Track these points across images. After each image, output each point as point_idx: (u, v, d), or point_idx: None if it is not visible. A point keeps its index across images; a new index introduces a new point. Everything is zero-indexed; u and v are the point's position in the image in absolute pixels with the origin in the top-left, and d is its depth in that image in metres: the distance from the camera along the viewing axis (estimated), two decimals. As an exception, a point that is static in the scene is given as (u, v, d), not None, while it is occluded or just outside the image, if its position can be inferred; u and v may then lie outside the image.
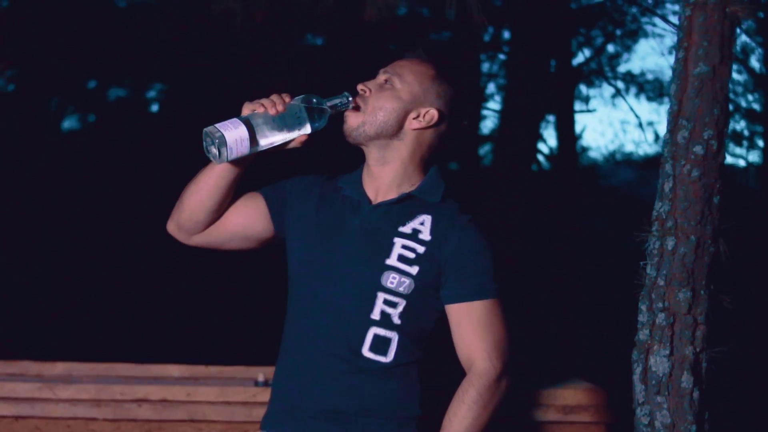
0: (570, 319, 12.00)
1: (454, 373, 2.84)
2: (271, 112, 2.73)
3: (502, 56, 14.47)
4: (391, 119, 2.81)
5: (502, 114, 11.64)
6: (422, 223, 2.81)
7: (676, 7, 12.29)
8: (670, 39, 15.27)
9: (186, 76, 12.10)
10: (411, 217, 2.83)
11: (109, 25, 10.56)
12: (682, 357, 3.14)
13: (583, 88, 14.40)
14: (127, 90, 13.71)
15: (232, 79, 9.79)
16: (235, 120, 2.71)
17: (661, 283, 3.15)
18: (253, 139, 2.70)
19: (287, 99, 2.77)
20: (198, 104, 11.56)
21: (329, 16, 4.84)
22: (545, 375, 4.49)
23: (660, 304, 3.15)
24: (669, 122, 3.20)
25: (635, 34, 14.19)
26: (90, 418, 3.99)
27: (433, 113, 2.83)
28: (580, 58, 14.08)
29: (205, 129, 2.68)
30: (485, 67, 14.96)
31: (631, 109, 22.60)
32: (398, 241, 2.79)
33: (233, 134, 2.66)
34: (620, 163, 16.12)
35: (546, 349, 11.71)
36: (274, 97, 2.76)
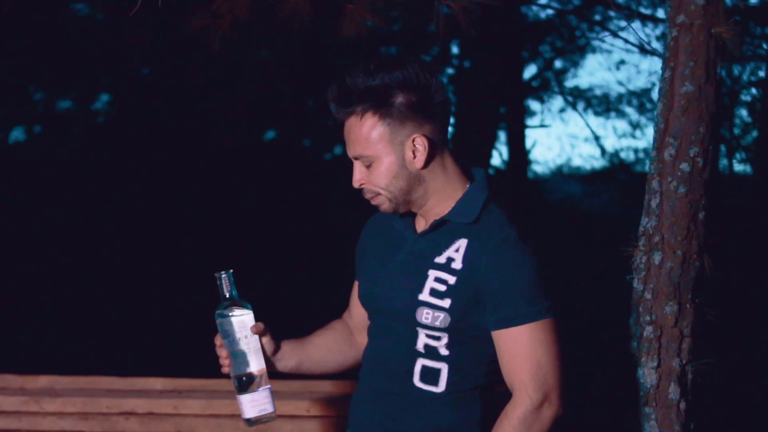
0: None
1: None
2: (226, 370, 2.77)
3: (450, 70, 14.58)
4: (400, 183, 2.68)
5: (455, 127, 11.76)
6: (457, 250, 2.68)
7: (623, 23, 12.53)
8: (618, 55, 15.46)
9: (136, 87, 12.10)
10: (448, 244, 2.70)
11: (60, 37, 10.53)
12: (669, 369, 3.20)
13: (531, 103, 14.54)
14: (74, 102, 13.66)
15: (187, 90, 9.82)
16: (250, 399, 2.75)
17: (648, 296, 3.21)
18: (251, 378, 2.74)
19: (223, 354, 2.76)
20: (145, 115, 11.59)
21: (304, 31, 4.87)
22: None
23: (647, 317, 3.21)
24: (655, 140, 3.26)
25: (583, 49, 14.36)
26: (77, 431, 4.00)
27: (419, 140, 2.65)
28: (527, 73, 14.21)
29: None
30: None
31: (587, 124, 22.78)
32: (432, 274, 2.67)
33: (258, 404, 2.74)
34: (567, 177, 16.26)
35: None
36: (220, 361, 2.78)
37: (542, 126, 13.92)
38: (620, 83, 16.79)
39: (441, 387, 2.70)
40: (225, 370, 2.76)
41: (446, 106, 2.70)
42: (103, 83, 12.96)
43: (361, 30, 4.70)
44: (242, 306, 2.73)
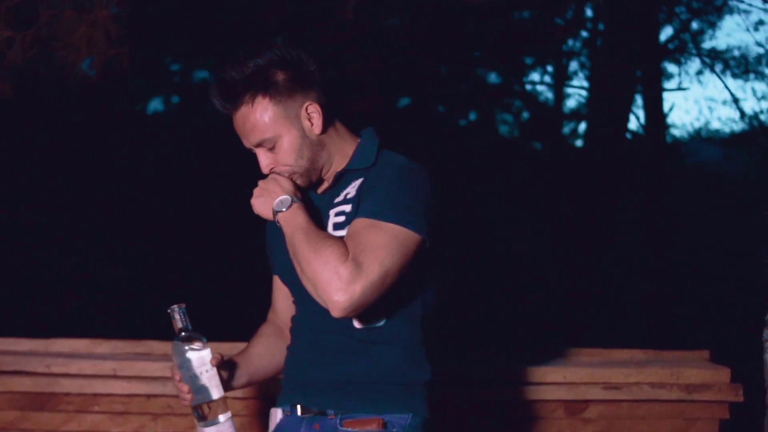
0: (668, 295, 11.97)
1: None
2: (186, 401, 2.79)
3: (584, 34, 14.41)
4: (307, 153, 2.78)
5: (590, 92, 11.63)
6: (354, 186, 2.79)
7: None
8: (756, 15, 15.10)
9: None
10: (345, 186, 2.80)
11: (195, 6, 10.64)
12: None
13: (668, 65, 14.28)
14: (210, 71, 13.84)
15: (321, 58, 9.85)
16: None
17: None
18: (213, 407, 2.77)
19: (185, 389, 2.77)
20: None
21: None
22: (668, 354, 4.52)
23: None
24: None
25: (720, 9, 14.04)
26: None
27: (312, 107, 2.76)
28: (663, 36, 13.95)
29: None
30: (568, 44, 14.89)
31: (725, 86, 22.16)
32: (331, 212, 2.78)
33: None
34: (706, 140, 15.96)
35: (661, 325, 11.71)
36: (181, 395, 2.80)
37: (679, 89, 13.65)
38: (759, 44, 16.29)
39: (380, 320, 2.74)
40: (186, 403, 2.80)
41: (322, 72, 2.78)
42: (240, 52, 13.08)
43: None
44: (197, 339, 2.76)
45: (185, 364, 2.74)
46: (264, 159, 2.79)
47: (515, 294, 13.25)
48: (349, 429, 2.73)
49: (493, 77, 15.47)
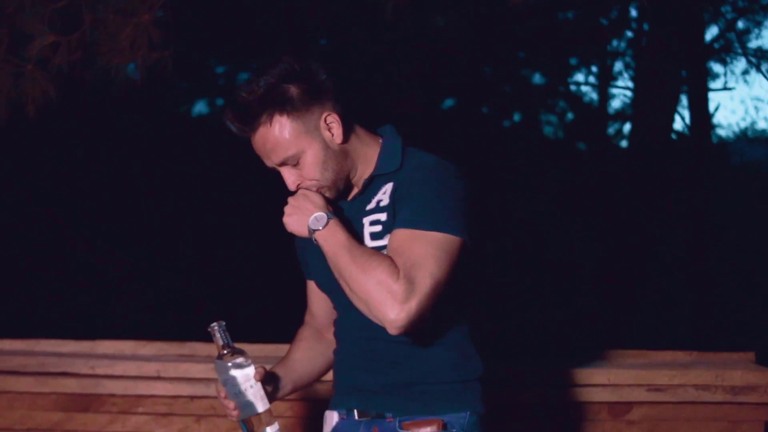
0: (713, 296, 11.90)
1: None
2: (233, 417, 2.77)
3: (629, 34, 14.34)
4: (332, 165, 2.73)
5: (635, 92, 11.58)
6: (385, 192, 2.75)
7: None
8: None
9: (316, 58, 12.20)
10: (376, 192, 2.77)
11: (239, 9, 10.69)
12: None
13: (713, 65, 14.18)
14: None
15: (363, 60, 9.87)
16: None
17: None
18: (260, 420, 2.76)
19: (231, 405, 2.76)
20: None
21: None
22: (713, 356, 4.49)
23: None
24: None
25: (766, 8, 13.93)
26: (262, 397, 4.07)
27: (330, 118, 2.71)
28: (709, 35, 13.86)
29: None
30: (612, 44, 14.84)
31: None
32: (365, 221, 2.73)
33: None
34: (752, 140, 15.87)
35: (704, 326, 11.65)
36: (227, 412, 2.78)
37: (725, 89, 13.54)
38: None
39: (428, 324, 2.67)
40: (233, 419, 2.79)
41: (333, 80, 2.73)
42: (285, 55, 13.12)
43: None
44: (240, 355, 2.74)
45: (230, 382, 2.73)
46: (289, 176, 2.74)
47: (559, 295, 13.22)
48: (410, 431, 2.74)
49: (537, 78, 15.47)
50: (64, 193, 10.82)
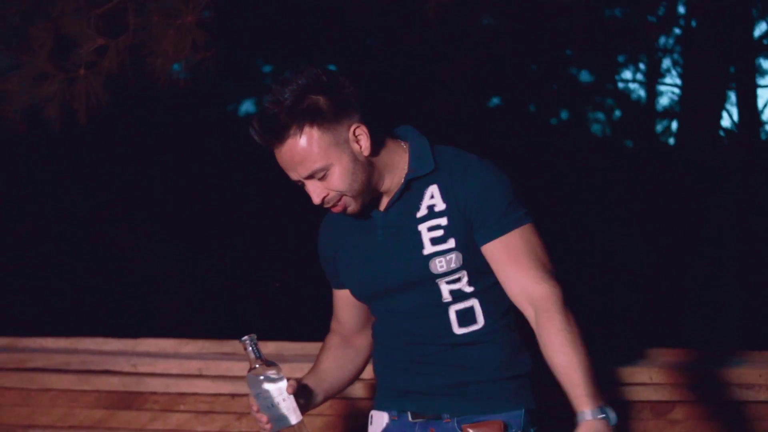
0: (759, 295, 11.82)
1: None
2: (267, 429, 2.74)
3: (677, 31, 14.24)
4: (360, 177, 2.69)
5: (682, 90, 11.50)
6: (432, 196, 2.72)
7: None
8: None
9: (360, 57, 12.21)
10: (420, 198, 2.74)
11: (286, 8, 10.72)
12: None
13: (763, 62, 14.07)
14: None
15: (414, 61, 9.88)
16: None
17: None
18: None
19: (264, 419, 2.73)
20: (370, 84, 11.69)
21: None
22: (757, 354, 4.46)
23: None
24: None
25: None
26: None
27: (359, 130, 2.66)
28: (758, 31, 13.74)
29: None
30: (660, 41, 14.74)
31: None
32: (422, 227, 2.70)
33: None
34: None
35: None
36: (260, 425, 2.75)
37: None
38: None
39: (480, 322, 2.72)
40: None
41: (357, 89, 2.68)
42: (330, 54, 13.14)
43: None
44: (272, 367, 2.72)
45: (262, 395, 2.71)
46: (315, 189, 2.68)
47: (604, 292, 13.16)
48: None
49: (584, 75, 15.39)
50: (109, 193, 10.89)
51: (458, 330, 2.72)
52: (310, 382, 2.89)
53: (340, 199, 2.70)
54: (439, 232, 2.68)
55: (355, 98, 2.67)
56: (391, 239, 2.74)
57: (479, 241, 2.68)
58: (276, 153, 2.67)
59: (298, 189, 2.74)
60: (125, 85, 5.00)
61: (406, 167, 2.76)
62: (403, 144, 2.80)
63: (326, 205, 2.72)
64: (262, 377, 2.70)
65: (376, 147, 2.71)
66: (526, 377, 2.79)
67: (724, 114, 11.96)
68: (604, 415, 2.54)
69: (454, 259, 2.66)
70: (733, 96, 13.27)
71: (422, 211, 2.72)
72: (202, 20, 4.61)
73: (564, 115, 15.44)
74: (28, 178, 10.46)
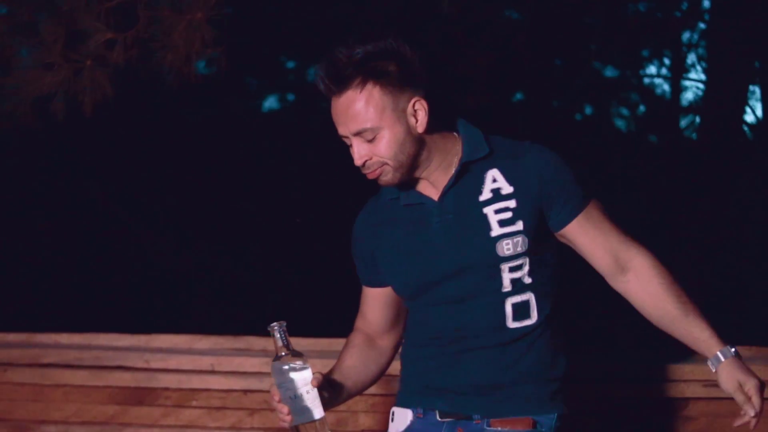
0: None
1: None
2: (286, 422, 2.67)
3: (701, 25, 14.17)
4: (408, 149, 2.70)
5: (706, 84, 11.44)
6: (494, 180, 2.74)
7: None
8: None
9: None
10: (479, 183, 2.75)
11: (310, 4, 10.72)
12: None
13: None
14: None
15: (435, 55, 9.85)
16: None
17: None
18: (314, 428, 2.67)
19: (285, 410, 2.65)
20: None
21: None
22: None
23: None
24: None
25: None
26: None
27: (419, 104, 2.69)
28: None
29: None
30: (685, 36, 14.68)
31: None
32: (488, 210, 2.71)
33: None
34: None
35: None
36: (281, 416, 2.68)
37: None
38: None
39: (534, 317, 2.74)
40: (285, 424, 2.68)
41: (427, 69, 2.70)
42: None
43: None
44: (299, 356, 2.66)
45: (286, 384, 2.64)
46: (360, 149, 2.69)
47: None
48: (498, 428, 2.72)
49: (609, 71, 15.34)
50: (124, 189, 10.92)
51: (512, 324, 2.72)
52: (335, 378, 2.87)
53: (381, 167, 2.70)
54: (507, 215, 2.71)
55: (423, 75, 2.70)
56: (451, 225, 2.74)
57: (563, 221, 2.76)
58: (333, 102, 2.69)
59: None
60: (139, 80, 5.01)
61: (458, 153, 2.78)
62: (455, 133, 2.82)
63: (364, 170, 2.73)
64: (287, 366, 2.64)
65: (432, 127, 2.73)
66: (563, 381, 2.79)
67: (748, 109, 11.86)
68: (734, 350, 2.78)
69: (520, 243, 2.69)
70: (758, 91, 13.19)
71: (486, 195, 2.74)
72: (213, 16, 4.61)
73: (588, 110, 15.38)
74: (42, 174, 10.49)
